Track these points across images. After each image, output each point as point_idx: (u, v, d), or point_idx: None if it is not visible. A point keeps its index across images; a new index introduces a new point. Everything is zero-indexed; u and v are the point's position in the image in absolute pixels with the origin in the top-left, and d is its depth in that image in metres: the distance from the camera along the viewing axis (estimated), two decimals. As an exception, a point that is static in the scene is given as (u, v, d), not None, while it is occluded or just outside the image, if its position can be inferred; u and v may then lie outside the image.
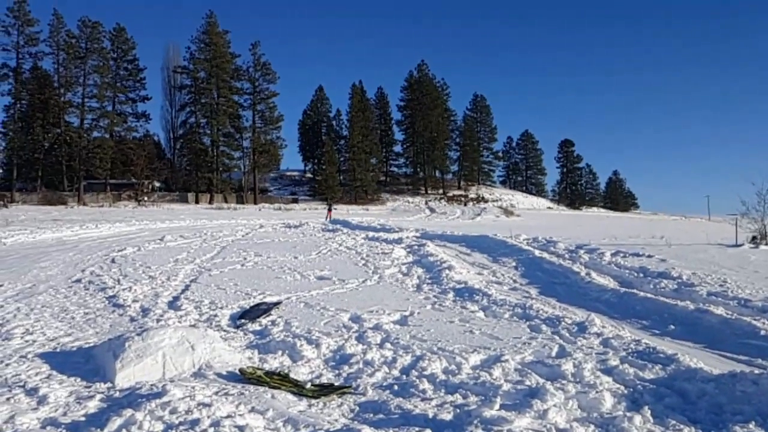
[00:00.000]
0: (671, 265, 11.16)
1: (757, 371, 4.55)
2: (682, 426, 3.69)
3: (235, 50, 60.52)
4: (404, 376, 4.74)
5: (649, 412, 3.86)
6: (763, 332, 6.20)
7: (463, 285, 9.35)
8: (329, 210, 36.54)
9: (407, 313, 7.17)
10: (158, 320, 6.70)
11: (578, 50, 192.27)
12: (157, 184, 55.96)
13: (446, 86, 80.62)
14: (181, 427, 3.46)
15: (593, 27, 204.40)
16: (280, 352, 5.43)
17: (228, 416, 3.58)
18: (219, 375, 4.72)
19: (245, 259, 12.36)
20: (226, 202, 55.72)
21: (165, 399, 3.81)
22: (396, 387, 4.50)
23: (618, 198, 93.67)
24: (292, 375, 4.78)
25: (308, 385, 4.44)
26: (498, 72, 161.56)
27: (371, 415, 3.91)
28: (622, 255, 12.67)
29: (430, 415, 3.79)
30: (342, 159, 71.19)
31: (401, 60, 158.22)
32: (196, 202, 54.54)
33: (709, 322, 6.86)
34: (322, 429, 3.47)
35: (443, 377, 4.68)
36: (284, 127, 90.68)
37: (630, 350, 5.52)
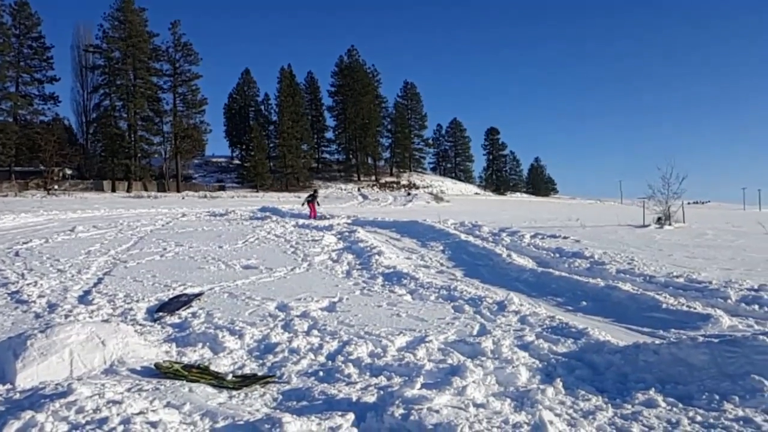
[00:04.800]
0: (585, 245, 11.86)
1: (657, 342, 4.91)
2: (590, 396, 3.93)
3: (154, 29, 57.23)
4: (330, 362, 4.72)
5: (561, 383, 4.09)
6: (664, 305, 6.73)
7: (392, 270, 9.45)
8: (311, 202, 22.83)
9: (336, 300, 7.15)
10: (67, 316, 6.26)
11: (503, 43, 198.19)
12: (69, 172, 51.99)
13: (377, 72, 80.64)
14: (88, 427, 3.25)
15: (516, 22, 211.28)
16: (200, 345, 5.24)
17: (140, 413, 3.39)
18: (133, 371, 4.47)
19: (165, 249, 11.80)
20: (146, 190, 52.83)
21: (71, 398, 3.55)
22: (321, 373, 4.48)
23: (539, 183, 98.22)
24: (212, 367, 4.62)
25: (229, 377, 4.32)
26: (427, 60, 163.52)
27: (294, 402, 3.87)
28: (540, 237, 13.31)
29: (354, 399, 3.80)
30: (271, 145, 69.48)
31: (331, 45, 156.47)
32: (113, 190, 51.33)
33: (618, 297, 7.35)
34: (242, 420, 3.38)
35: (369, 361, 4.71)
36: (209, 111, 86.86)
37: (545, 326, 5.82)
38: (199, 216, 22.33)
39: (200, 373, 4.39)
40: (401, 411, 3.31)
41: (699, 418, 3.50)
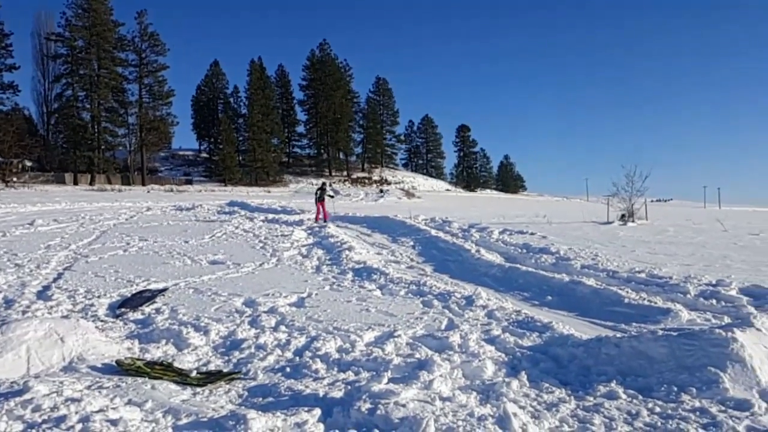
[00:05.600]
0: (551, 241, 12.09)
1: (619, 335, 5.05)
2: (554, 388, 4.00)
3: (119, 18, 55.50)
4: (297, 358, 4.68)
5: (526, 376, 4.16)
6: (626, 300, 6.91)
7: (362, 265, 9.44)
8: (321, 200, 17.86)
9: (305, 295, 7.09)
10: (24, 312, 6.02)
11: (474, 39, 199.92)
12: (29, 164, 49.97)
13: (349, 67, 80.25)
14: (45, 426, 3.14)
15: (486, 17, 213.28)
16: (164, 341, 5.13)
17: (100, 410, 3.30)
18: (93, 368, 4.34)
19: (128, 244, 11.50)
20: (110, 183, 51.34)
21: (27, 396, 3.43)
22: (288, 369, 4.44)
23: (508, 180, 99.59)
24: (176, 364, 4.53)
25: (193, 374, 4.24)
26: (398, 56, 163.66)
27: (260, 399, 3.83)
28: (508, 233, 13.50)
29: (321, 394, 3.78)
30: (241, 138, 68.39)
31: (302, 38, 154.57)
32: (75, 183, 49.65)
33: (582, 292, 7.52)
34: (206, 417, 3.32)
35: (337, 356, 4.69)
36: (176, 103, 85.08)
37: (511, 320, 5.91)
38: (164, 210, 21.85)
39: (163, 369, 4.30)
40: (368, 405, 3.31)
41: (658, 410, 3.61)
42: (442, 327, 5.70)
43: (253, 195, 44.35)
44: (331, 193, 19.15)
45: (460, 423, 3.12)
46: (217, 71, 74.73)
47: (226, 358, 4.78)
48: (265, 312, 6.16)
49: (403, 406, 3.26)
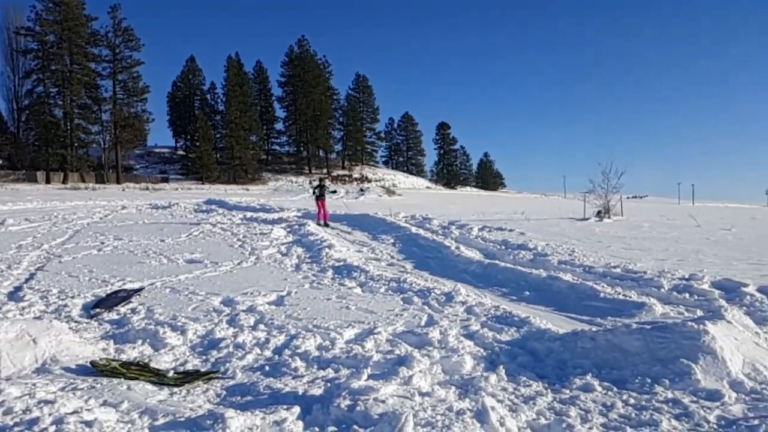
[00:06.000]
0: (529, 237, 12.24)
1: (594, 329, 5.13)
2: (531, 382, 4.06)
3: (92, 12, 54.28)
4: (277, 356, 4.66)
5: (504, 370, 4.21)
6: (602, 294, 7.04)
7: (342, 263, 9.42)
8: (321, 199, 16.06)
9: (284, 293, 7.05)
10: (-7, 314, 5.87)
11: (454, 37, 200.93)
12: (-1, 162, 48.78)
13: (328, 64, 79.83)
14: (16, 429, 3.07)
15: (465, 15, 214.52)
16: (140, 342, 5.04)
17: (74, 412, 3.23)
18: (67, 369, 4.25)
19: (103, 243, 11.27)
20: (83, 181, 50.24)
21: (-3, 400, 3.35)
22: (267, 368, 4.41)
23: (488, 178, 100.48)
24: (153, 364, 4.46)
25: (170, 373, 4.18)
26: (378, 54, 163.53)
27: (239, 398, 3.80)
28: (487, 229, 13.63)
29: (300, 392, 3.77)
30: (218, 135, 67.54)
31: (280, 35, 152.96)
32: (47, 181, 48.46)
33: (559, 287, 7.63)
34: (183, 416, 3.28)
35: (317, 354, 4.68)
36: (151, 99, 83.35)
37: (490, 316, 5.96)
38: (140, 208, 21.49)
39: (139, 370, 4.23)
40: (347, 402, 3.31)
41: (632, 401, 3.68)
42: (422, 323, 5.73)
43: (231, 193, 43.91)
44: (333, 189, 17.78)
45: (438, 417, 3.14)
46: (193, 67, 73.67)
47: (204, 357, 4.72)
48: (243, 311, 6.10)
49: (383, 401, 3.27)
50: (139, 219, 16.74)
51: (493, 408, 3.23)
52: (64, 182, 48.64)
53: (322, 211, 15.89)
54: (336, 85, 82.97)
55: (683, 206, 46.89)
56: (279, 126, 79.17)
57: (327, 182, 17.60)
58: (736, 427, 3.21)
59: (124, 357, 4.67)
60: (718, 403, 3.58)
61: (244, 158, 63.88)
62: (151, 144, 73.72)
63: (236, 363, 4.51)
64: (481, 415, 3.16)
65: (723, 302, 6.36)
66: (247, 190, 53.28)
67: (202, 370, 4.39)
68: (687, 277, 7.66)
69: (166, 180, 58.14)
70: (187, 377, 4.15)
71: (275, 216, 17.57)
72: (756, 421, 3.23)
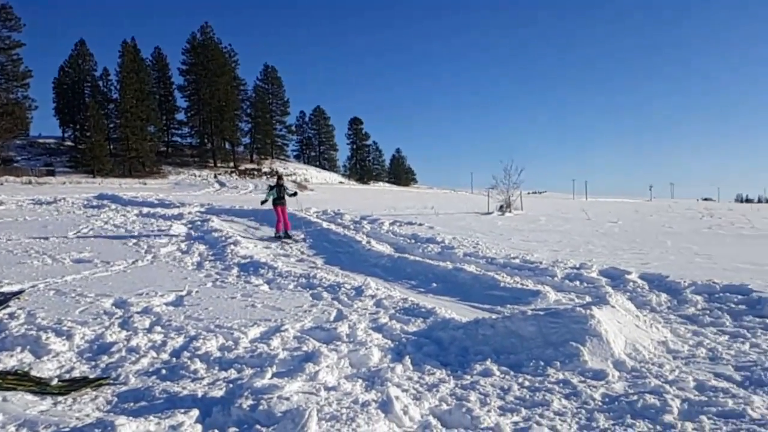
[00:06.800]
0: (437, 231, 12.61)
1: (494, 317, 5.38)
2: (435, 370, 4.17)
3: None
4: (174, 359, 4.41)
5: (410, 360, 4.30)
6: (502, 284, 7.41)
7: (248, 260, 9.13)
8: (280, 205, 12.52)
9: (184, 293, 6.70)
10: None
11: (366, 32, 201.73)
12: None
13: (234, 53, 76.64)
14: None
15: (374, 9, 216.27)
16: (19, 349, 4.55)
17: (-71, 435, 2.84)
18: (-76, 386, 3.73)
19: (-25, 242, 10.07)
20: (-47, 174, 44.60)
21: None
22: (164, 371, 4.16)
23: (400, 173, 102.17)
24: (33, 372, 4.06)
25: (54, 382, 3.83)
26: (288, 45, 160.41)
27: (132, 404, 3.55)
28: (398, 224, 13.87)
29: (200, 395, 3.59)
30: (112, 126, 62.61)
31: (181, 20, 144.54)
32: None
33: (464, 278, 7.94)
34: (68, 427, 3.01)
35: (218, 354, 4.49)
36: (34, 85, 75.79)
37: (398, 308, 6.06)
38: (20, 204, 19.45)
39: (17, 379, 3.83)
40: (250, 402, 3.20)
41: (527, 383, 3.90)
42: (331, 318, 5.70)
43: (127, 187, 41.00)
44: (294, 191, 13.46)
45: (344, 410, 3.12)
46: (83, 51, 67.73)
47: (93, 363, 4.37)
48: (138, 312, 5.71)
49: (287, 399, 3.20)
50: (20, 216, 15.13)
51: (397, 397, 3.27)
52: (-75, 175, 42.81)
53: (281, 219, 12.35)
54: (243, 75, 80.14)
55: (577, 201, 50.63)
56: (180, 116, 74.96)
57: (287, 184, 13.57)
58: (618, 403, 3.49)
59: (0, 366, 4.19)
60: (603, 382, 3.88)
61: (141, 150, 59.77)
62: (35, 134, 66.88)
63: (129, 368, 4.22)
64: (385, 406, 3.19)
65: (609, 289, 6.93)
66: (145, 184, 49.97)
67: (91, 376, 4.08)
68: (578, 266, 8.27)
69: (52, 173, 52.96)
70: (73, 385, 3.83)
71: (175, 212, 16.64)
72: (635, 397, 3.54)
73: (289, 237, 12.16)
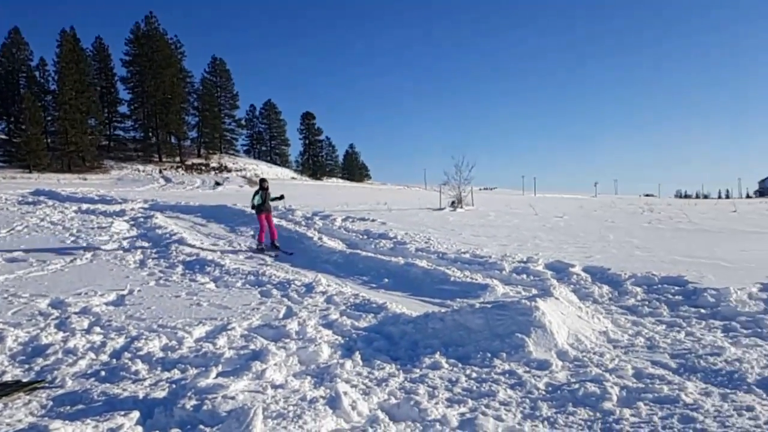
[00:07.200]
0: (390, 227, 12.64)
1: (444, 310, 5.46)
2: (385, 364, 4.19)
3: None
4: (114, 360, 4.25)
5: (360, 356, 4.29)
6: (453, 278, 7.51)
7: (194, 257, 8.88)
8: (265, 212, 10.96)
9: (125, 293, 6.46)
10: None
11: (318, 28, 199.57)
12: None
13: (180, 44, 74.09)
14: None
15: (325, 6, 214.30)
16: (-59, 354, 4.26)
17: None
18: None
19: None
20: None
21: None
22: (103, 373, 4.01)
23: (354, 169, 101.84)
24: (-42, 379, 3.80)
25: (-19, 388, 3.59)
26: (237, 37, 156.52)
27: (69, 407, 3.39)
28: (351, 220, 13.81)
29: (141, 396, 3.46)
30: (50, 118, 59.36)
31: (124, 10, 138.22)
32: None
33: (415, 273, 8.00)
34: (-3, 435, 2.84)
35: (161, 355, 4.35)
36: (-38, 73, 70.44)
37: (349, 304, 6.05)
38: (-54, 201, 18.13)
39: (-62, 388, 3.57)
40: (193, 402, 3.12)
41: (474, 375, 3.98)
42: (280, 316, 5.62)
43: (66, 183, 39.03)
44: (281, 195, 12.22)
45: (291, 408, 3.09)
46: (17, 40, 63.83)
47: (27, 366, 4.16)
48: (76, 313, 5.47)
49: (232, 398, 3.14)
50: (-57, 213, 14.10)
51: (345, 393, 3.26)
52: None
53: (265, 228, 10.87)
54: (190, 68, 77.75)
55: (526, 197, 52.03)
56: (123, 109, 71.88)
57: (270, 189, 11.57)
58: (561, 392, 3.62)
59: None
60: (546, 372, 4.01)
61: (80, 144, 56.87)
62: (-38, 125, 62.57)
63: (66, 370, 4.05)
64: (333, 402, 3.17)
65: (554, 281, 7.13)
66: (85, 179, 47.65)
67: (24, 380, 3.87)
68: (525, 260, 8.50)
69: (-18, 168, 49.72)
70: (4, 389, 3.64)
71: (117, 208, 15.94)
72: (577, 385, 3.67)
73: (277, 248, 10.52)
